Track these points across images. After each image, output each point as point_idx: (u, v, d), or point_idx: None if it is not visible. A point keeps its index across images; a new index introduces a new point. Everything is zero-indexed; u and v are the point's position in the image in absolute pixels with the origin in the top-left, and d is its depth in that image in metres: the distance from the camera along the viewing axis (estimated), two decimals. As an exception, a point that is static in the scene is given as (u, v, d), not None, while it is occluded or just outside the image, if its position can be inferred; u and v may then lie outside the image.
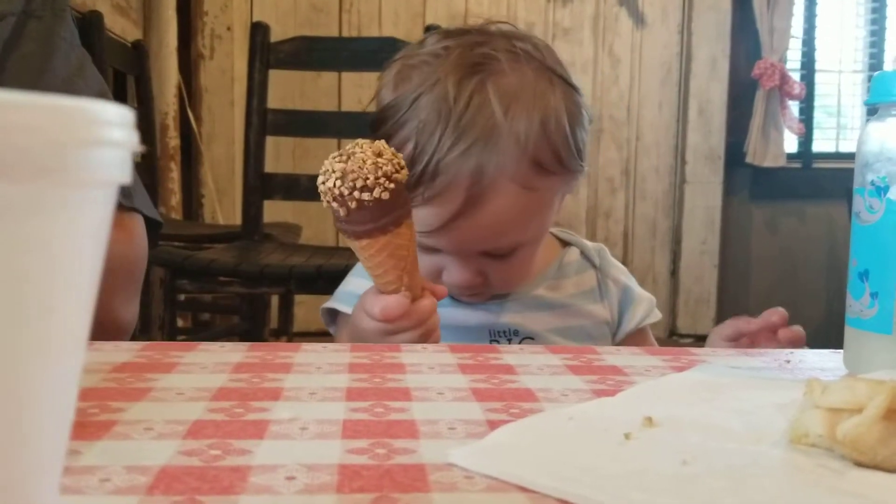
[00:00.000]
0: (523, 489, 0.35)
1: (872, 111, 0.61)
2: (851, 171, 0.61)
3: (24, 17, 0.80)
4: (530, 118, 0.74)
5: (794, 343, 0.76)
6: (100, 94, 0.84)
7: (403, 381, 0.53)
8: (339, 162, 0.64)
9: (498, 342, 0.83)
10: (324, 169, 0.65)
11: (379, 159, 0.64)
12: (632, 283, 0.91)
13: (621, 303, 0.89)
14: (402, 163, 0.66)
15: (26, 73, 0.77)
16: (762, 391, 0.52)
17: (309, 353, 0.61)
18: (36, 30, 0.80)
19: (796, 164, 3.80)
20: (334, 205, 0.65)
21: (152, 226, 0.90)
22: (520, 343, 0.83)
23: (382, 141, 0.66)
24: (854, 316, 0.60)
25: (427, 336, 0.70)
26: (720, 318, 3.74)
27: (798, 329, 0.77)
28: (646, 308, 0.90)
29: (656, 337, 3.34)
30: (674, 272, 3.77)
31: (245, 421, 0.43)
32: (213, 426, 0.42)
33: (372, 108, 0.84)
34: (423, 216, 0.75)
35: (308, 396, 0.48)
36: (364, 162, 0.63)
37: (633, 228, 3.75)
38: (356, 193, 0.63)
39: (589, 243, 0.92)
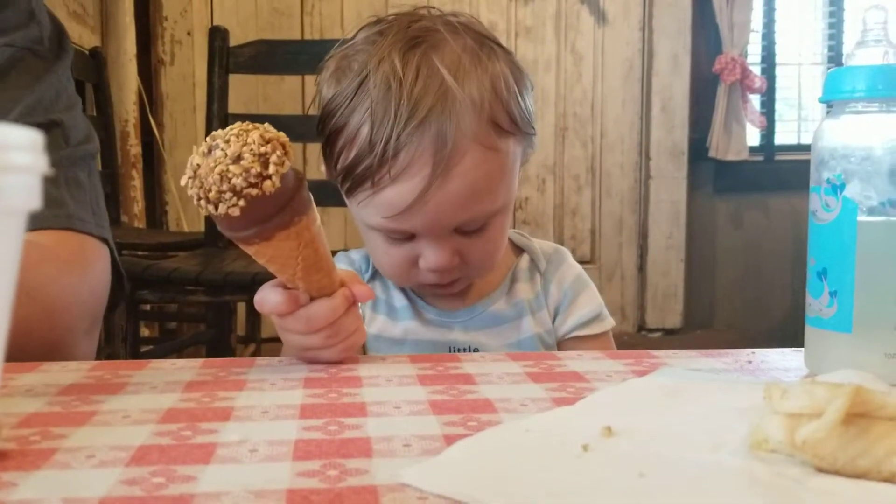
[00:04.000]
0: (477, 509, 0.34)
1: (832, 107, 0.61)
2: (813, 162, 0.60)
3: (27, 52, 0.80)
4: (481, 81, 0.74)
5: None
6: (84, 140, 0.84)
7: (360, 395, 0.52)
8: (200, 154, 0.54)
9: None
10: (191, 156, 0.54)
11: (232, 167, 0.52)
12: (579, 287, 0.87)
13: (558, 308, 0.87)
14: (272, 170, 0.53)
15: (5, 95, 0.77)
16: (722, 395, 0.51)
17: (264, 369, 0.59)
18: (34, 65, 0.81)
19: (759, 156, 3.82)
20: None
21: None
22: None
23: (257, 134, 0.53)
24: (814, 315, 0.60)
25: (328, 345, 0.63)
26: (687, 312, 3.77)
27: None
28: (582, 316, 0.86)
29: (625, 332, 3.29)
30: (641, 267, 3.78)
31: (192, 445, 0.42)
32: (157, 451, 0.41)
33: (315, 113, 0.82)
34: (391, 197, 0.73)
35: (260, 415, 0.47)
36: (213, 169, 0.52)
37: (600, 225, 3.76)
38: (202, 203, 0.53)
39: (545, 246, 0.90)
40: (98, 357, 2.06)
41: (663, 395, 0.51)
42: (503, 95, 0.75)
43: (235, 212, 0.53)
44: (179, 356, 2.89)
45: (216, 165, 0.52)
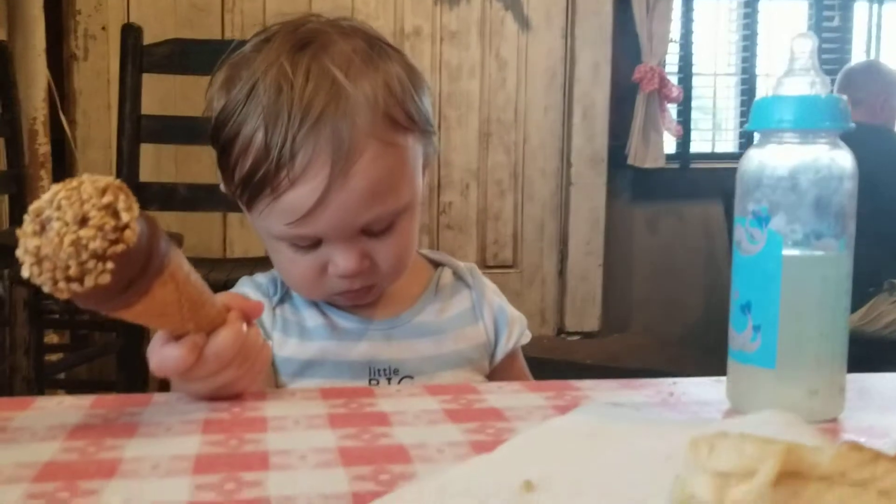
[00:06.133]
0: (385, 591, 0.31)
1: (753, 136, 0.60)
2: (727, 170, 0.59)
3: None
4: (373, 79, 0.73)
5: None
6: None
7: (263, 441, 0.48)
8: (33, 235, 0.46)
9: (377, 381, 0.79)
10: (21, 241, 0.47)
11: (82, 232, 0.45)
12: (504, 302, 0.89)
13: (497, 323, 0.86)
14: (127, 218, 0.47)
15: None
16: (645, 438, 0.49)
17: (160, 408, 0.55)
18: None
19: (675, 164, 3.89)
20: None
21: None
22: (399, 382, 0.79)
23: (90, 186, 0.47)
24: (737, 349, 0.58)
25: (243, 373, 0.60)
26: (606, 316, 3.81)
27: None
28: (519, 328, 0.88)
29: (545, 336, 3.34)
30: (561, 272, 3.81)
31: (67, 512, 0.37)
32: (27, 523, 0.36)
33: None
34: (292, 201, 0.70)
35: (149, 471, 0.43)
36: (61, 242, 0.45)
37: (522, 230, 3.77)
38: (62, 285, 0.46)
39: (460, 263, 0.89)
40: (1, 367, 1.95)
41: (584, 439, 0.49)
42: (397, 92, 0.74)
43: (106, 278, 0.46)
44: (90, 366, 2.78)
45: (63, 237, 0.45)
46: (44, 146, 3.06)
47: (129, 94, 2.07)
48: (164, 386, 0.67)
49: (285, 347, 0.80)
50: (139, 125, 2.06)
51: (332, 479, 0.42)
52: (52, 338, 2.88)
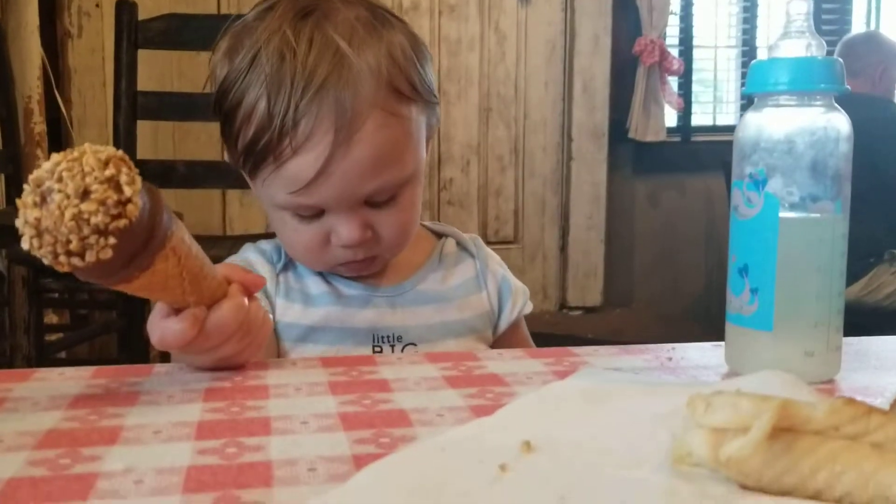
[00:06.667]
0: (385, 547, 0.31)
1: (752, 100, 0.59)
2: (728, 143, 0.59)
3: None
4: (377, 49, 0.73)
5: None
6: None
7: (265, 408, 0.49)
8: (34, 206, 0.45)
9: (381, 349, 0.79)
10: (20, 212, 0.45)
11: (84, 206, 0.44)
12: (507, 272, 0.89)
13: (500, 292, 0.87)
14: (130, 192, 0.45)
15: None
16: (644, 399, 0.49)
17: (161, 378, 0.55)
18: None
19: (676, 137, 3.88)
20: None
21: None
22: (402, 349, 0.79)
23: (92, 158, 0.46)
24: (734, 312, 0.58)
25: (244, 347, 0.60)
26: (607, 290, 3.81)
27: None
28: (523, 298, 0.88)
29: (547, 311, 3.35)
30: (563, 247, 3.81)
31: (69, 476, 0.38)
32: (29, 486, 0.36)
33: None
34: (295, 169, 0.71)
35: (151, 437, 0.43)
36: (62, 216, 0.44)
37: (523, 206, 3.77)
38: (62, 259, 0.45)
39: (463, 233, 0.90)
40: (1, 347, 1.95)
41: (584, 402, 0.49)
42: (401, 62, 0.74)
43: (108, 253, 0.45)
44: (90, 345, 2.79)
45: (64, 211, 0.44)
46: (39, 125, 3.05)
47: (125, 70, 2.06)
48: (164, 362, 0.67)
49: (289, 313, 0.80)
50: (135, 102, 2.05)
51: (333, 443, 0.42)
52: (51, 318, 2.88)
